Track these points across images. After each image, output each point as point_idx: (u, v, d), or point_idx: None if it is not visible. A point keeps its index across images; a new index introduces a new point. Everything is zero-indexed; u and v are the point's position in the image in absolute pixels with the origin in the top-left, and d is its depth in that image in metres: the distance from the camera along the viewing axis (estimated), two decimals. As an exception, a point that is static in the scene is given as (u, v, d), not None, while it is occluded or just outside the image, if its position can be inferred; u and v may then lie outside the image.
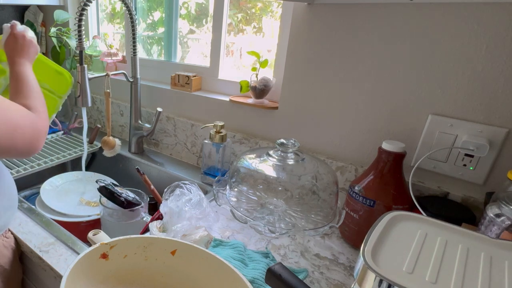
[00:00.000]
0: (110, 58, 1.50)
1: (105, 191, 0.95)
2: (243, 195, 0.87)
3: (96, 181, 0.98)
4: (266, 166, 0.84)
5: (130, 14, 1.19)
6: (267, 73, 1.13)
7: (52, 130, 1.50)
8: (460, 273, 0.41)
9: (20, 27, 0.90)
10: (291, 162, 0.83)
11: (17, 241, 0.86)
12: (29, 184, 1.32)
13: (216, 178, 0.94)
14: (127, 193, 0.97)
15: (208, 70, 1.28)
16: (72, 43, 1.50)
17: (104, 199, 0.95)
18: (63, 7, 1.61)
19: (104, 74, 1.27)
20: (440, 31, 0.77)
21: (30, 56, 0.88)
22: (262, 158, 0.85)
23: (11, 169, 1.19)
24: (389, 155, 0.77)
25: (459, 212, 0.77)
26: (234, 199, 0.87)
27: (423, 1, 0.77)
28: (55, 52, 1.54)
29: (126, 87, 1.37)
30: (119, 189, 0.96)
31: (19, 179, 1.13)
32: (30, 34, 0.91)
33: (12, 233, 0.86)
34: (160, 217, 0.85)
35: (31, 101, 0.75)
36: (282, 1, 1.04)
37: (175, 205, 0.81)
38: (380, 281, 0.39)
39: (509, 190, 0.66)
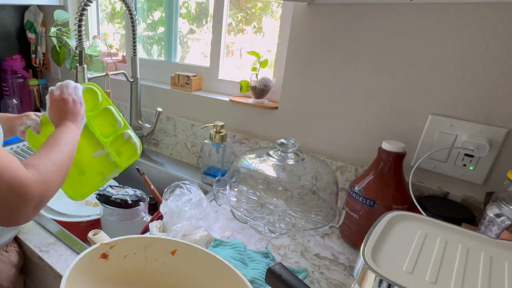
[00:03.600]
0: (110, 58, 1.50)
1: (102, 198, 0.95)
2: (243, 195, 0.87)
3: None
4: (266, 166, 0.84)
5: (130, 14, 1.19)
6: (267, 73, 1.13)
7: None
8: (460, 273, 0.41)
9: (56, 92, 0.80)
10: (291, 162, 0.83)
11: (19, 250, 0.85)
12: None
13: (216, 178, 0.94)
14: (126, 192, 0.97)
15: (208, 70, 1.28)
16: (72, 43, 1.50)
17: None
18: (63, 7, 1.61)
19: (104, 74, 1.27)
20: (440, 31, 0.77)
21: (73, 116, 0.79)
22: (262, 158, 0.85)
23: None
24: (389, 155, 0.77)
25: (459, 212, 0.77)
26: (234, 199, 0.87)
27: (423, 1, 0.77)
28: (55, 52, 1.54)
29: (126, 87, 1.37)
30: (114, 191, 0.96)
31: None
32: (68, 92, 0.80)
33: (16, 239, 0.85)
34: (160, 217, 0.85)
35: (40, 160, 0.61)
36: (282, 1, 1.04)
37: (175, 205, 0.81)
38: (380, 281, 0.39)
39: (509, 190, 0.66)
